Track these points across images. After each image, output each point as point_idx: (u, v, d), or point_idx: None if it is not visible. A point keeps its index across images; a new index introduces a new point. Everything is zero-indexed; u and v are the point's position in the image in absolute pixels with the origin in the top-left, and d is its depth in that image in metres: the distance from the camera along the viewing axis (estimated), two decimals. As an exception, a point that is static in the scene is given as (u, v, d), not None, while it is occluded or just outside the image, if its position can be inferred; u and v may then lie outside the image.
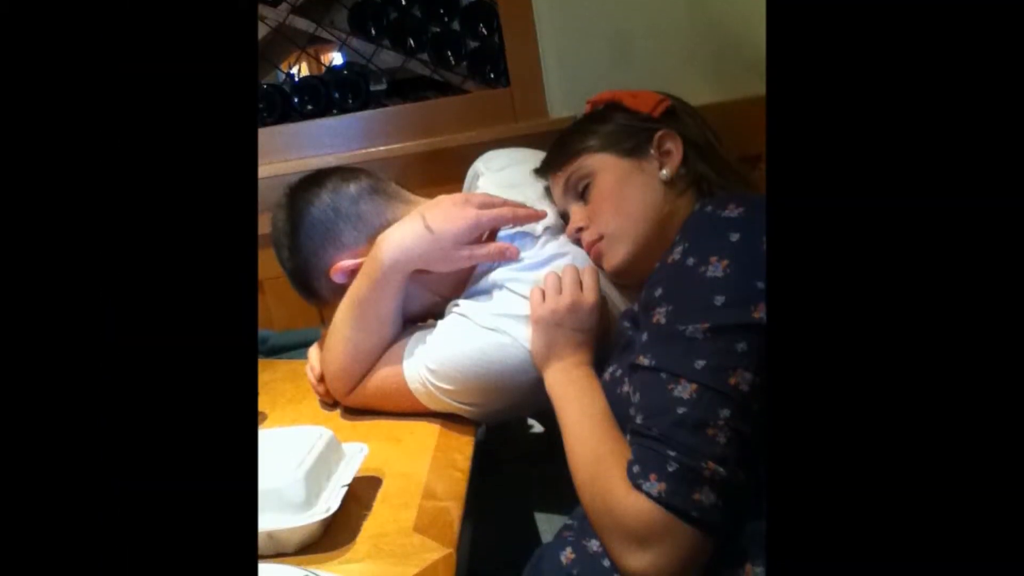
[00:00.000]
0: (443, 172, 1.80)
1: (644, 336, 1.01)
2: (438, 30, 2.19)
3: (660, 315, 0.98)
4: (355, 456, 1.04)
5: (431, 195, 1.34)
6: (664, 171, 1.20)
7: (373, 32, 2.21)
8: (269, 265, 1.35)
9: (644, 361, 0.98)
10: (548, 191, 1.35)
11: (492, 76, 2.13)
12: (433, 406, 1.24)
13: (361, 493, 1.03)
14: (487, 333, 1.18)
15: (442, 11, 2.19)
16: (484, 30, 2.15)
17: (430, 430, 1.22)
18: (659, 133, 1.22)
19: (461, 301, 1.24)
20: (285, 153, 2.00)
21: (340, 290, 1.29)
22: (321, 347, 1.36)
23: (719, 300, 0.94)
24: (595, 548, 0.99)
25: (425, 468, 1.10)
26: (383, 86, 2.23)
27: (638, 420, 0.96)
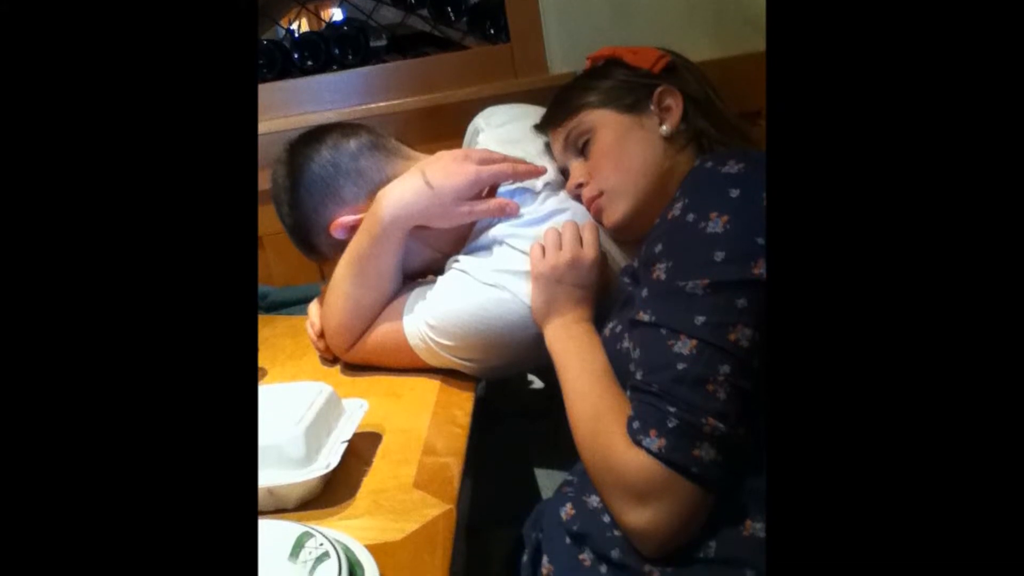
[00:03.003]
0: (443, 128, 1.79)
1: (644, 292, 1.00)
2: (438, -15, 2.17)
3: (660, 271, 0.98)
4: (355, 412, 1.04)
5: (431, 151, 1.33)
6: (664, 127, 1.19)
7: (373, -12, 2.20)
8: (269, 221, 1.36)
9: (644, 317, 0.98)
10: (548, 147, 1.34)
11: (492, 32, 2.11)
12: (433, 362, 1.24)
13: (361, 449, 1.03)
14: (487, 289, 1.18)
15: (442, -33, 2.17)
16: (484, -14, 2.13)
17: (430, 386, 1.23)
18: (659, 89, 1.21)
19: (461, 257, 1.24)
20: (285, 109, 1.99)
21: (340, 246, 1.29)
22: (321, 303, 1.36)
23: (719, 256, 0.94)
24: (595, 504, 1.00)
25: (425, 424, 1.10)
26: (383, 42, 2.21)
27: (638, 376, 0.96)
